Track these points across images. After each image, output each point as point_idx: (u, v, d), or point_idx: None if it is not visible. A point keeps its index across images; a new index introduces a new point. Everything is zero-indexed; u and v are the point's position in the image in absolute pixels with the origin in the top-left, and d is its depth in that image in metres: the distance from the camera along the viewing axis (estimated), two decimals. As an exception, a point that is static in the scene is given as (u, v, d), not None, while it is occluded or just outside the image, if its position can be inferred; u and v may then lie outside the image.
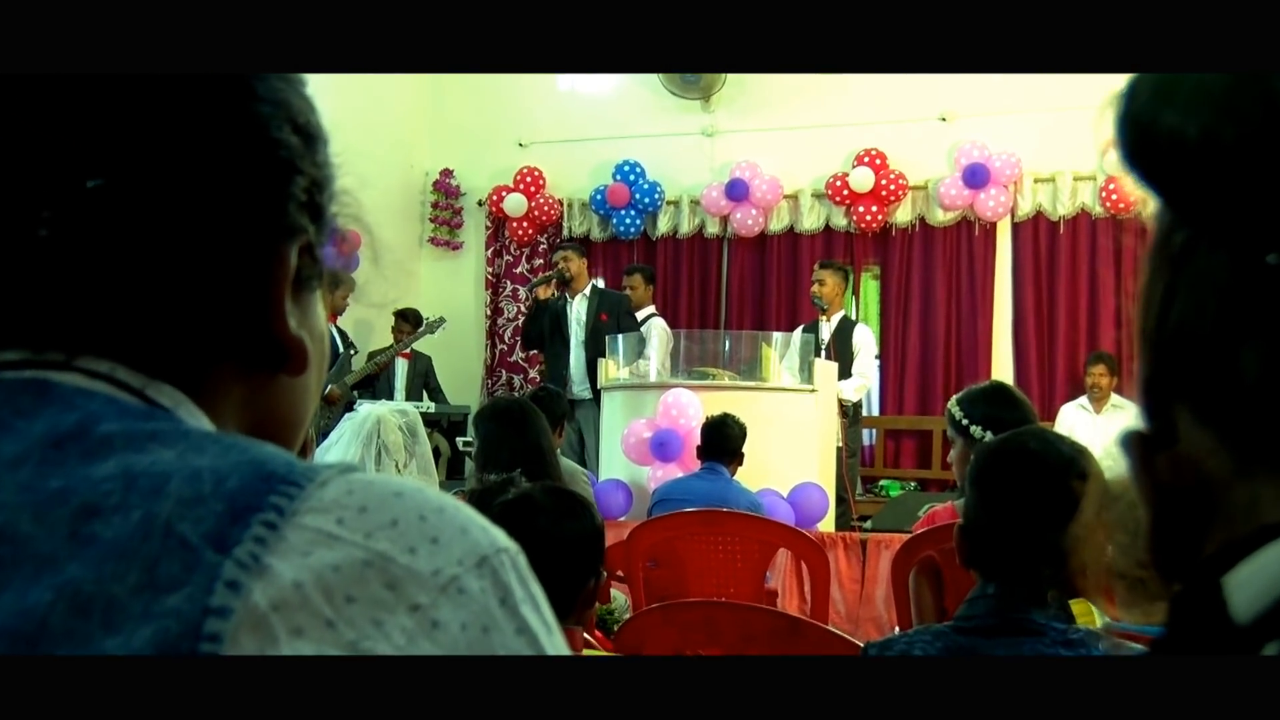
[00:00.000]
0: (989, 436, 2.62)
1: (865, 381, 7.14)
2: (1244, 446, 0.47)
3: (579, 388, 7.15)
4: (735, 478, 4.57)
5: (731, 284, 8.60)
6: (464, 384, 8.71)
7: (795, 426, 5.62)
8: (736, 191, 8.28)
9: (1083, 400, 7.28)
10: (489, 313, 9.12)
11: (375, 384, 7.35)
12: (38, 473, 0.50)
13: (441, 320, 7.45)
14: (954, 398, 3.01)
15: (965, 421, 2.87)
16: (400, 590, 0.49)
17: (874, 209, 8.03)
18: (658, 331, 6.75)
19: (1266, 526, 0.46)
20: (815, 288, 6.97)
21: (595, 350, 6.77)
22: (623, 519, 5.27)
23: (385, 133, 8.24)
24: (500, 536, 0.54)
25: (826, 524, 5.57)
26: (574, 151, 8.81)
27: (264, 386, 0.62)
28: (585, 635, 2.01)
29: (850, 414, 6.77)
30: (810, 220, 8.31)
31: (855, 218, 8.10)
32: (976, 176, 7.76)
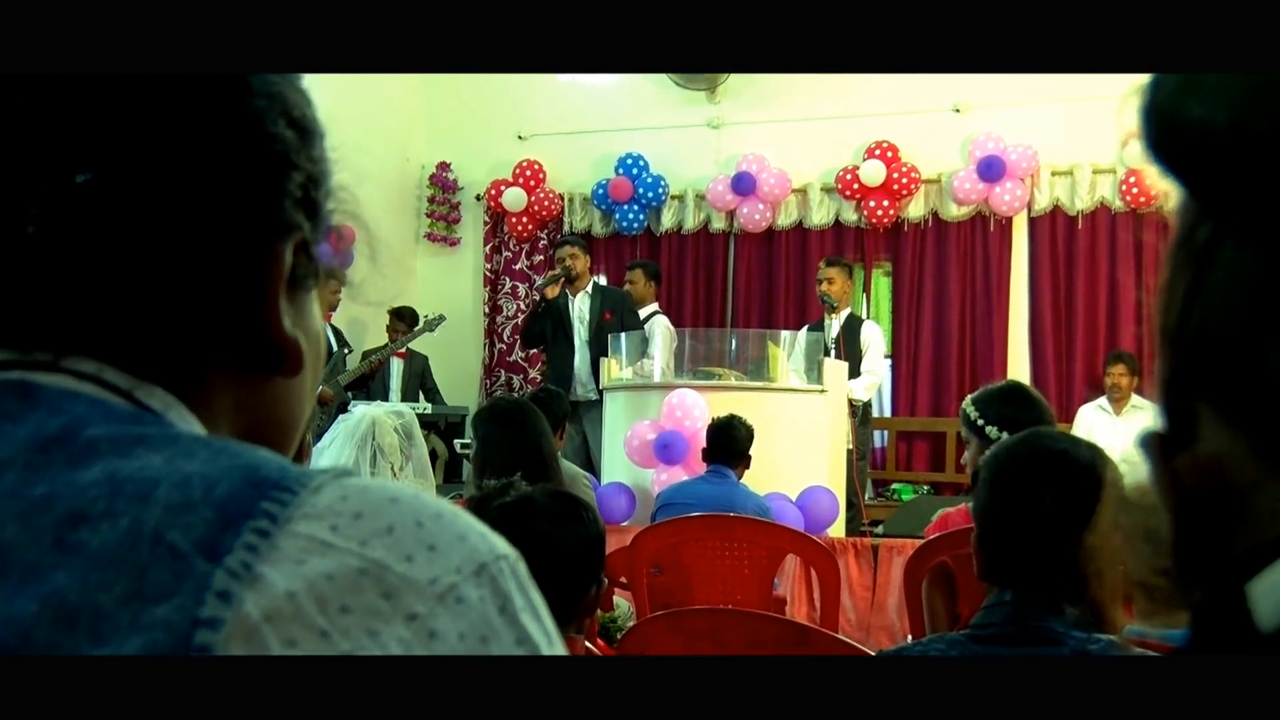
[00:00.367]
0: (1005, 437, 2.62)
1: (876, 379, 7.14)
2: (1272, 447, 0.47)
3: (584, 389, 7.15)
4: (742, 481, 4.57)
5: (738, 281, 8.59)
6: (461, 384, 8.71)
7: (804, 428, 5.62)
8: (743, 185, 8.27)
9: (1102, 401, 7.27)
10: (487, 311, 9.12)
11: (369, 384, 7.34)
12: (22, 479, 0.50)
13: (441, 318, 7.45)
14: (969, 397, 3.01)
15: (980, 422, 2.87)
16: (397, 599, 0.49)
17: (885, 203, 8.02)
18: (660, 330, 6.75)
19: (1294, 531, 0.46)
20: (824, 286, 6.95)
21: (599, 350, 6.76)
22: (626, 524, 5.27)
23: (379, 125, 8.24)
24: (499, 543, 0.54)
25: (836, 529, 5.57)
26: (575, 144, 8.81)
27: (258, 388, 0.62)
28: (587, 644, 2.01)
29: (860, 414, 6.76)
30: (819, 215, 8.30)
31: (866, 212, 8.10)
32: (992, 169, 7.75)
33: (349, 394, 6.99)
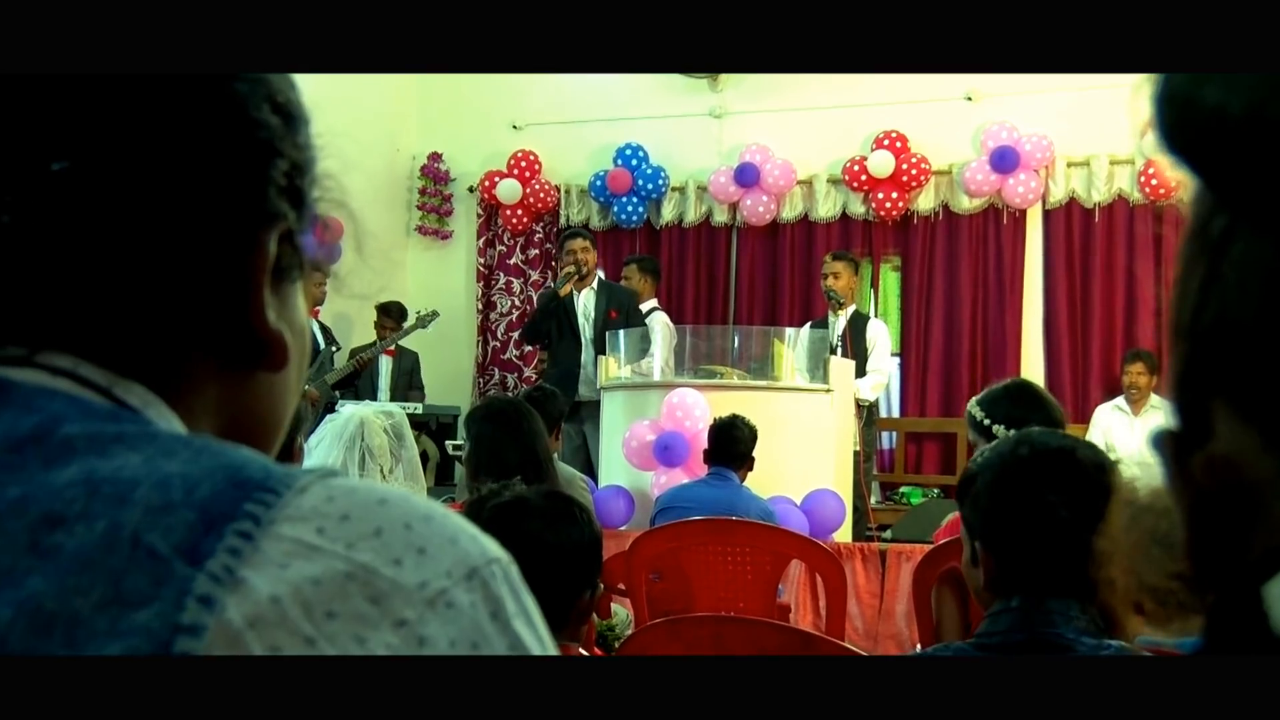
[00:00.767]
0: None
1: (883, 379, 7.14)
2: None
3: (589, 388, 7.10)
4: (745, 484, 4.57)
5: (741, 276, 8.59)
6: (453, 383, 8.71)
7: (810, 429, 5.61)
8: (746, 177, 8.27)
9: (1119, 401, 7.27)
10: (480, 307, 9.11)
11: (357, 383, 7.34)
12: (-5, 479, 0.50)
13: (434, 314, 7.43)
14: (974, 398, 3.02)
15: (987, 422, 2.87)
16: (385, 605, 0.49)
17: (894, 195, 8.02)
18: (659, 327, 6.73)
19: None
20: (829, 280, 6.94)
21: (604, 348, 6.74)
22: (624, 528, 5.26)
23: (368, 113, 8.23)
24: (491, 546, 0.54)
25: (843, 534, 5.57)
26: (572, 134, 8.80)
27: (241, 384, 0.62)
28: (582, 651, 2.01)
29: (866, 415, 6.76)
30: (825, 208, 8.30)
31: (874, 205, 8.09)
32: (1005, 160, 7.75)
33: (336, 394, 6.98)
